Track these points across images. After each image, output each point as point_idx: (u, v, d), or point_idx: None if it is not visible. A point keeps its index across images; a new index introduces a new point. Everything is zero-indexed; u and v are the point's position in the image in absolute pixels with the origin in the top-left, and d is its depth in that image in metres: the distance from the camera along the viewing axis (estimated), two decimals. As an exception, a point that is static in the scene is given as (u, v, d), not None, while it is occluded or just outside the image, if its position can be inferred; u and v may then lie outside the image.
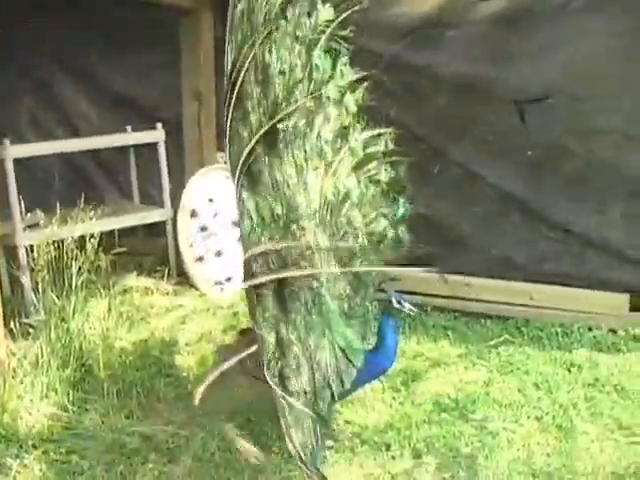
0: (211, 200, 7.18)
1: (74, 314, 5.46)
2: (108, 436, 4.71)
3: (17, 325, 5.38)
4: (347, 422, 4.73)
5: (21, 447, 4.57)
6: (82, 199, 6.18)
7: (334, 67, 4.61)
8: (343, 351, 4.06)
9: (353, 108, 4.72)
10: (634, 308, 5.85)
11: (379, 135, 4.85)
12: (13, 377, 5.02)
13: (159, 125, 7.30)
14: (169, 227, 7.31)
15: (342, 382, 4.03)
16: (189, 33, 7.19)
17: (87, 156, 7.95)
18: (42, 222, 5.91)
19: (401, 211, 4.88)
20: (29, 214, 6.06)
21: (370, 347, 4.20)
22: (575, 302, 5.96)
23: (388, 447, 4.47)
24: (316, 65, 4.49)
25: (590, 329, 5.83)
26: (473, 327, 6.06)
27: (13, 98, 8.18)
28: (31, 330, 5.51)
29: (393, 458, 4.39)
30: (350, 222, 4.58)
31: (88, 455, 4.54)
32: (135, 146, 7.55)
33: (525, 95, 5.92)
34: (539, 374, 5.26)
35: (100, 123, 8.00)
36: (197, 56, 7.22)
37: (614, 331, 5.79)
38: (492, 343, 5.75)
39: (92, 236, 5.52)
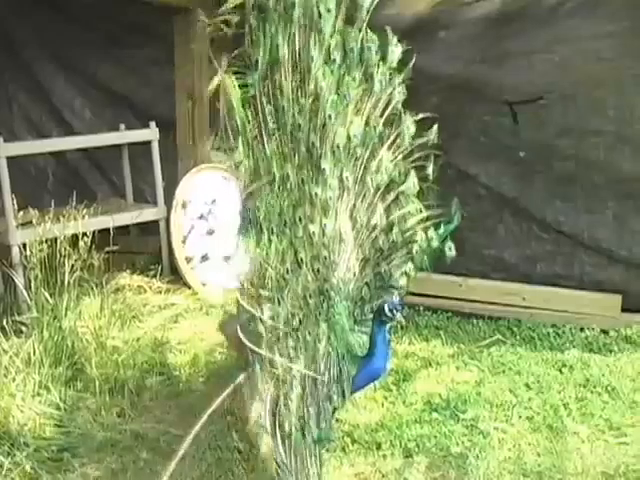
0: (205, 199, 7.20)
1: (66, 312, 5.46)
2: (100, 434, 4.72)
3: (10, 323, 5.39)
4: (338, 421, 4.73)
5: (12, 445, 4.57)
6: (75, 197, 6.19)
7: (384, 46, 4.44)
8: (343, 358, 4.02)
9: (403, 91, 4.51)
10: (626, 309, 5.87)
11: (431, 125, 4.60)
12: (5, 375, 5.03)
13: (153, 124, 7.30)
14: (162, 225, 7.31)
15: (343, 392, 3.98)
16: (183, 31, 7.18)
17: (81, 154, 7.94)
18: (35, 220, 5.88)
19: (455, 221, 4.62)
20: (22, 212, 6.06)
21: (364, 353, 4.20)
22: (567, 303, 5.99)
23: (379, 446, 4.49)
24: (368, 47, 4.36)
25: (582, 329, 5.85)
26: (465, 327, 6.06)
27: (7, 96, 8.18)
28: (24, 328, 5.51)
29: (384, 457, 4.40)
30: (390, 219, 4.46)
31: (80, 453, 4.55)
32: (129, 144, 7.55)
33: (518, 96, 5.93)
34: (531, 374, 5.28)
35: (94, 121, 8.00)
36: (190, 54, 7.21)
37: (606, 332, 5.80)
38: (484, 343, 5.77)
39: (85, 234, 5.52)
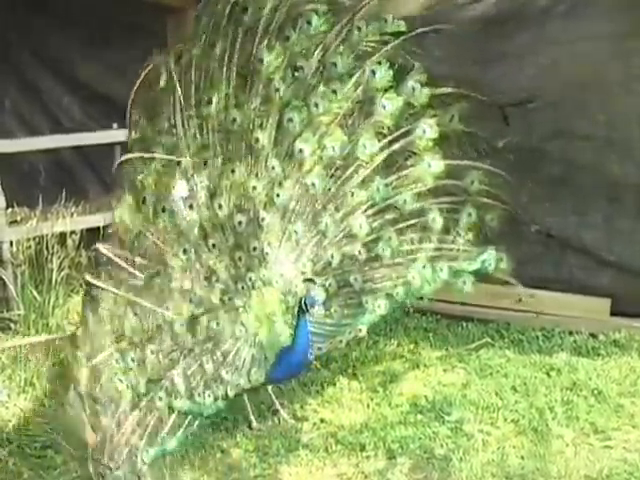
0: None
1: (54, 310, 5.45)
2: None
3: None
4: (323, 421, 4.75)
5: (-4, 441, 4.58)
6: (67, 196, 6.20)
7: (396, 79, 4.56)
8: (261, 345, 4.17)
9: (433, 131, 4.66)
10: (615, 313, 5.86)
11: (468, 169, 4.78)
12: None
13: (145, 122, 7.27)
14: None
15: (249, 377, 4.15)
16: (175, 30, 7.16)
17: (73, 153, 7.93)
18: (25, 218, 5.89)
19: (477, 264, 4.79)
20: (10, 209, 6.06)
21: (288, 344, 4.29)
22: (556, 306, 5.97)
23: (363, 447, 4.48)
24: (372, 71, 4.47)
25: (571, 333, 5.83)
26: (454, 330, 6.04)
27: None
28: (12, 325, 5.51)
29: (367, 458, 4.39)
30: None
31: (63, 450, 4.53)
32: (121, 143, 7.53)
33: (509, 98, 5.91)
34: (518, 377, 5.26)
35: (86, 121, 8.00)
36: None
37: (595, 335, 5.78)
38: (472, 346, 5.74)
39: (73, 232, 5.52)
